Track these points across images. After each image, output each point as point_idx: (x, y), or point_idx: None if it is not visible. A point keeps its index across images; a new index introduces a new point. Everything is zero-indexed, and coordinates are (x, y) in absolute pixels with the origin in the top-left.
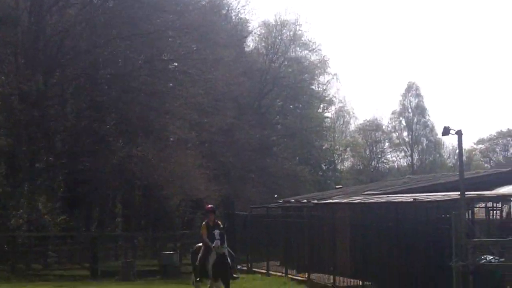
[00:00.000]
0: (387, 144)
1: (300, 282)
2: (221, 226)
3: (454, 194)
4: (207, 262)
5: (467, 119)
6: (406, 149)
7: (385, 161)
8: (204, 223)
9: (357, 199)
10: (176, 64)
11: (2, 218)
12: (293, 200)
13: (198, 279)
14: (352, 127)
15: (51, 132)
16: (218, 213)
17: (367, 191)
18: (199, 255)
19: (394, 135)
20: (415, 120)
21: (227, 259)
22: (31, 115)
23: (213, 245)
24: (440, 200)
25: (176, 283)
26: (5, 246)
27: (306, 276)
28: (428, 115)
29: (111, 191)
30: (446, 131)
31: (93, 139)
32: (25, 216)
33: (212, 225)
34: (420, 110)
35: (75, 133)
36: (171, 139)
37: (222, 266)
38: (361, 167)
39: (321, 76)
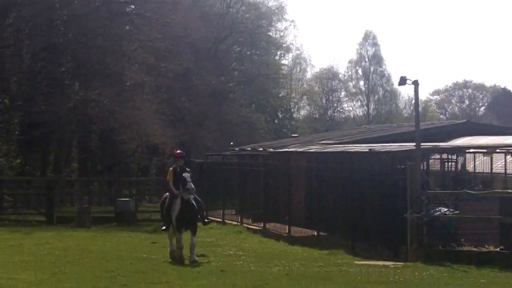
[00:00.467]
0: (343, 93)
1: (255, 231)
2: (188, 171)
3: (410, 145)
4: (172, 212)
5: (423, 70)
6: (362, 99)
7: (341, 110)
8: (171, 168)
9: (313, 148)
10: (133, 6)
11: None
12: (249, 148)
13: (163, 228)
14: (308, 75)
15: (7, 73)
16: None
17: (323, 140)
18: (166, 203)
19: (351, 84)
20: (372, 69)
21: (194, 207)
22: None
23: (187, 187)
24: (396, 151)
25: (132, 230)
26: None
27: (262, 225)
28: (384, 64)
29: (67, 135)
30: (402, 81)
31: (49, 81)
32: None
33: (179, 171)
34: (377, 59)
35: (31, 75)
36: (128, 83)
37: (187, 215)
38: (317, 116)
39: (278, 23)
